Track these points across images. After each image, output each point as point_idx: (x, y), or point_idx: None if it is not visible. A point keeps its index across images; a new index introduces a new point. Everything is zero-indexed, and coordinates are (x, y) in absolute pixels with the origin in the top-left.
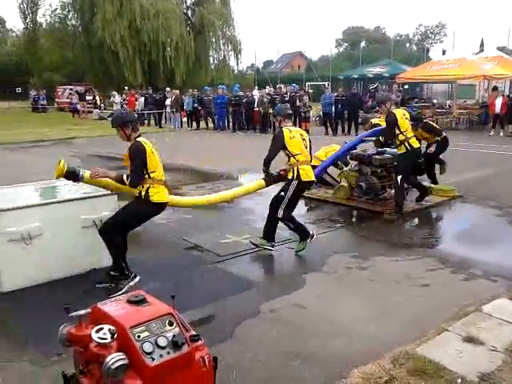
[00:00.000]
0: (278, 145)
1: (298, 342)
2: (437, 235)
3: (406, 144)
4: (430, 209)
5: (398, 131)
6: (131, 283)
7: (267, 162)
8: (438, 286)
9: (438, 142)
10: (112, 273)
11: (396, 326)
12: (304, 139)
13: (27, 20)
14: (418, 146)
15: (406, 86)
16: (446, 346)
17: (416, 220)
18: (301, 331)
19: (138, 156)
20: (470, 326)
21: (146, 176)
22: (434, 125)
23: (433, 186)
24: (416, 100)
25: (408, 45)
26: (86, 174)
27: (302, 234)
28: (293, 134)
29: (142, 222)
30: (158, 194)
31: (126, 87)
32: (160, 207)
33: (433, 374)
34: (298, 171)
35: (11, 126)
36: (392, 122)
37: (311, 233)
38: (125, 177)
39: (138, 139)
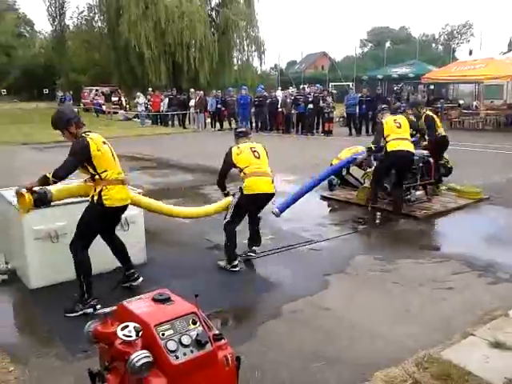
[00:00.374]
0: (227, 163)
1: (320, 344)
2: (462, 238)
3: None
4: (456, 211)
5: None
6: (87, 311)
7: (220, 183)
8: (463, 290)
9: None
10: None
11: (420, 329)
12: (255, 151)
13: (55, 22)
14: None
15: (432, 87)
16: (472, 350)
17: (441, 222)
18: (323, 333)
19: (73, 151)
20: (496, 330)
21: (97, 177)
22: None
23: (458, 187)
24: (442, 101)
25: (434, 45)
26: (54, 191)
27: (228, 254)
28: (240, 149)
29: (98, 230)
30: (112, 199)
31: (150, 88)
32: (115, 211)
33: (457, 379)
34: (244, 184)
35: (38, 125)
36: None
37: (236, 263)
38: (49, 173)
39: (84, 135)
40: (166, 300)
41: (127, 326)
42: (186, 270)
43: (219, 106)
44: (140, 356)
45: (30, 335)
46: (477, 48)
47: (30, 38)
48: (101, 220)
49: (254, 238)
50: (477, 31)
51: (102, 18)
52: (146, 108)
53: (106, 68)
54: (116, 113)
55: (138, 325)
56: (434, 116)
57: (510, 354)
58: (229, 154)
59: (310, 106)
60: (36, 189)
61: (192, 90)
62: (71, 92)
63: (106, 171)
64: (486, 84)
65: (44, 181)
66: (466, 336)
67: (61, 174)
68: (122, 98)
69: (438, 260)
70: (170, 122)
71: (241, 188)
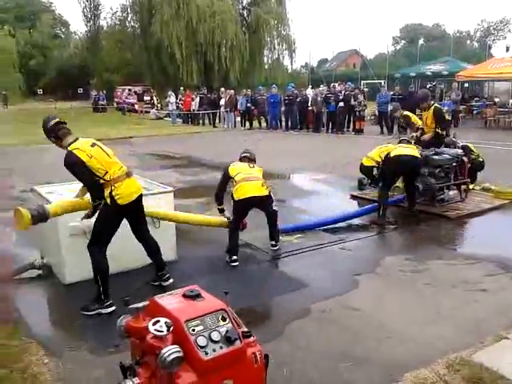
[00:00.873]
0: (224, 175)
1: (349, 344)
2: (496, 239)
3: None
4: (490, 211)
5: None
6: (102, 311)
7: (217, 196)
8: (496, 292)
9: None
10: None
11: (451, 331)
12: (252, 166)
13: (89, 23)
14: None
15: (466, 85)
16: (505, 354)
17: (474, 223)
18: (352, 333)
19: (71, 169)
20: None
21: (102, 181)
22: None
23: (493, 187)
24: (476, 99)
25: (469, 42)
26: (51, 208)
27: (229, 251)
28: (236, 162)
29: (115, 230)
30: (124, 196)
31: (181, 87)
32: (131, 206)
33: (490, 382)
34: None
35: (73, 124)
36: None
37: (234, 257)
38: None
39: (69, 148)
40: (196, 296)
41: (158, 321)
42: (216, 268)
43: (249, 104)
44: (171, 351)
45: (63, 329)
46: None
47: (65, 39)
48: (117, 219)
49: (271, 235)
50: None
51: (134, 18)
52: (178, 107)
53: (139, 68)
54: (148, 112)
55: (168, 320)
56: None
57: None
58: (226, 168)
59: (341, 104)
60: (33, 207)
61: (222, 89)
62: (104, 91)
63: (107, 172)
64: None
65: (94, 209)
66: (498, 339)
67: (93, 194)
68: (154, 98)
69: (470, 261)
70: (200, 121)
71: (232, 195)
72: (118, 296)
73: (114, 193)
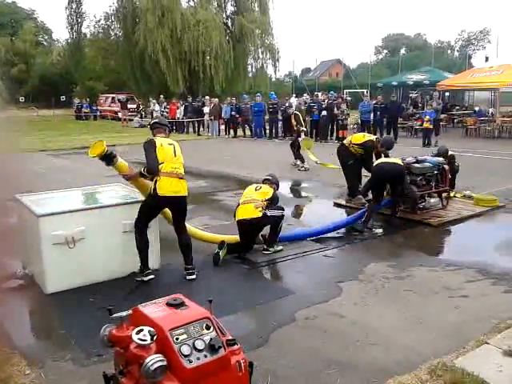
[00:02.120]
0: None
1: (333, 350)
2: (477, 245)
3: None
4: (471, 218)
5: None
6: (144, 279)
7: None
8: (477, 298)
9: None
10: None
11: (433, 336)
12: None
13: (73, 30)
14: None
15: (447, 94)
16: (486, 359)
17: (456, 230)
18: (337, 339)
19: (147, 147)
20: (511, 339)
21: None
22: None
23: (474, 195)
24: (457, 107)
25: (449, 51)
26: (120, 160)
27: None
28: (246, 189)
29: (150, 214)
30: (163, 189)
31: (161, 95)
32: (165, 200)
33: None
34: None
35: (56, 133)
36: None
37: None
38: (142, 170)
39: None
40: (180, 305)
41: (142, 330)
42: (200, 276)
43: (233, 113)
44: (154, 360)
45: (46, 339)
46: (493, 55)
47: (48, 46)
48: (154, 207)
49: (266, 239)
50: (493, 38)
51: (118, 26)
52: (162, 115)
53: (122, 75)
54: (131, 120)
55: (152, 329)
56: None
57: None
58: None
59: (324, 112)
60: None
61: (207, 97)
62: (88, 99)
63: (162, 163)
64: (503, 91)
65: (136, 175)
66: (479, 344)
67: (149, 165)
68: (141, 106)
69: (451, 268)
70: (185, 129)
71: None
72: (100, 305)
73: (157, 183)
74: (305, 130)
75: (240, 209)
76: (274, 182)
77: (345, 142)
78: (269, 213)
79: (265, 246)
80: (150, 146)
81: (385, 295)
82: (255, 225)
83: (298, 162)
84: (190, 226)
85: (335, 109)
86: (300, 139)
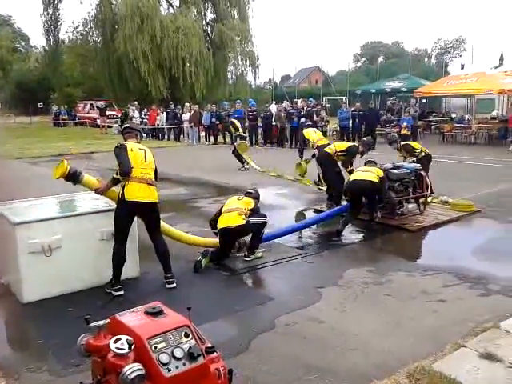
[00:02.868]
0: (219, 210)
1: (313, 356)
2: (454, 250)
3: None
4: (448, 223)
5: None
6: (113, 293)
7: (211, 225)
8: (454, 302)
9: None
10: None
11: (412, 341)
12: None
13: (50, 37)
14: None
15: (424, 101)
16: (463, 362)
17: (433, 235)
18: (316, 345)
19: (118, 151)
20: (487, 342)
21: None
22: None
23: (450, 200)
24: (434, 114)
25: (426, 59)
26: (86, 177)
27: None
28: (228, 200)
29: (123, 223)
30: (131, 194)
31: (135, 102)
32: (134, 205)
33: None
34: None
35: (33, 140)
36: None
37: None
38: (114, 174)
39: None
40: (158, 313)
41: (120, 339)
42: (180, 283)
43: (213, 119)
44: (132, 369)
45: (22, 349)
46: (468, 62)
47: (25, 53)
48: (126, 216)
49: (248, 247)
50: (468, 46)
51: (97, 32)
52: (142, 122)
53: (100, 82)
54: (110, 127)
55: (130, 338)
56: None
57: (500, 366)
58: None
59: (303, 119)
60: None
61: (187, 104)
62: (66, 106)
63: (132, 168)
64: (479, 98)
65: (114, 181)
66: (457, 348)
67: (121, 168)
68: (123, 111)
69: (429, 272)
70: (166, 136)
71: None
72: (77, 314)
73: (125, 188)
74: (243, 135)
75: (223, 217)
76: (255, 197)
77: (328, 150)
78: (251, 220)
79: (246, 253)
80: (120, 150)
81: (364, 300)
82: (238, 232)
83: (246, 165)
84: (173, 229)
85: (315, 116)
86: (236, 144)
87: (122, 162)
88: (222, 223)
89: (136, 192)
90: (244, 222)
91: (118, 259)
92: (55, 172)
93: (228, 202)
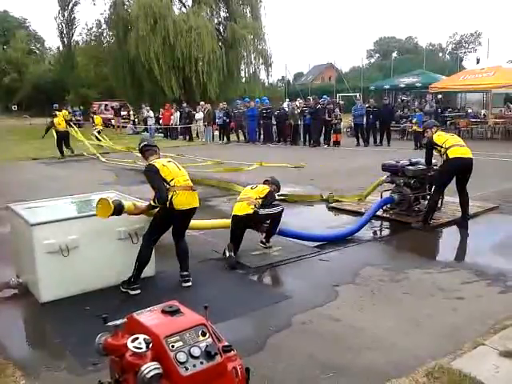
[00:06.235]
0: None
1: (330, 354)
2: (472, 247)
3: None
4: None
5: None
6: (130, 292)
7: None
8: (473, 299)
9: None
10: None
11: (430, 339)
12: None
13: (64, 39)
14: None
15: (440, 96)
16: (483, 360)
17: (451, 231)
18: (333, 343)
19: (149, 175)
20: (507, 340)
21: (168, 186)
22: None
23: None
24: (450, 110)
25: (441, 54)
26: (127, 206)
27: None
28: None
29: (163, 228)
30: (180, 204)
31: (143, 104)
32: (180, 213)
33: None
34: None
35: (47, 141)
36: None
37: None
38: (152, 201)
39: (150, 161)
40: (175, 312)
41: (137, 338)
42: (196, 282)
43: (224, 118)
44: (150, 368)
45: (40, 349)
46: (484, 57)
47: (40, 55)
48: (169, 221)
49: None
50: (484, 40)
51: (110, 33)
52: (157, 122)
53: (115, 83)
54: (125, 127)
55: (147, 337)
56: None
57: None
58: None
59: (308, 117)
60: (115, 200)
61: (202, 102)
62: (81, 107)
63: (173, 179)
64: (495, 93)
65: (150, 206)
66: (476, 346)
67: (159, 195)
68: (131, 113)
69: (447, 270)
70: (180, 136)
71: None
72: (95, 314)
73: (173, 198)
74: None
75: (235, 206)
76: (272, 183)
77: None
78: (261, 211)
79: (263, 240)
80: (152, 173)
81: (381, 298)
82: (245, 221)
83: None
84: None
85: (326, 116)
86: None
87: (159, 189)
88: (234, 211)
89: (184, 200)
90: (251, 212)
91: (145, 259)
92: (101, 212)
93: (242, 192)
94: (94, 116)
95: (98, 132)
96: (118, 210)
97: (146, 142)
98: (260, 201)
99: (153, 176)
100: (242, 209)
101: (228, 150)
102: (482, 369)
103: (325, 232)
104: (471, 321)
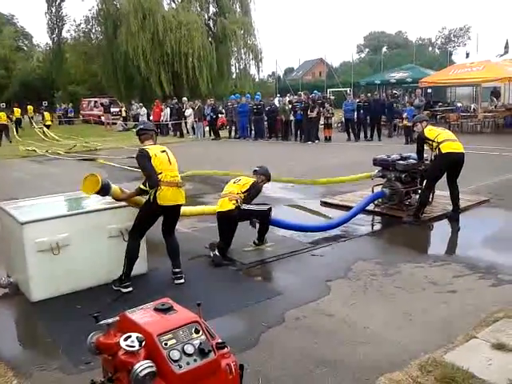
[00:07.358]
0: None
1: (323, 350)
2: (464, 240)
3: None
4: None
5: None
6: (122, 290)
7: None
8: (465, 292)
9: None
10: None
11: (423, 333)
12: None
13: (53, 35)
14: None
15: (430, 90)
16: (475, 353)
17: (441, 225)
18: (327, 338)
19: (141, 160)
20: (499, 332)
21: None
22: None
23: None
24: (440, 104)
25: (430, 49)
26: (114, 189)
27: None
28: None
29: (148, 223)
30: (164, 199)
31: (132, 101)
32: (164, 208)
33: (461, 381)
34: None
35: (38, 138)
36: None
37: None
38: (142, 185)
39: (144, 146)
40: (168, 309)
41: (130, 337)
42: (188, 279)
43: (211, 113)
44: (143, 366)
45: (32, 348)
46: (473, 51)
47: (28, 51)
48: (154, 216)
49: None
50: (473, 34)
51: (99, 29)
52: (148, 119)
53: (104, 79)
54: (114, 123)
55: (140, 335)
56: None
57: None
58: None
59: (299, 113)
60: (104, 179)
61: (184, 98)
62: (70, 104)
63: (161, 173)
64: (485, 87)
65: (137, 193)
66: (468, 339)
67: (149, 181)
68: (123, 109)
69: (439, 263)
70: (171, 132)
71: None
72: (87, 312)
73: (157, 193)
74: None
75: (218, 202)
76: (261, 173)
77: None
78: (244, 206)
79: (255, 241)
80: (144, 158)
81: (373, 292)
82: (228, 217)
83: None
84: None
85: (314, 113)
86: None
87: (150, 175)
88: (217, 208)
89: (168, 196)
90: (233, 207)
91: (133, 254)
92: (86, 187)
93: (226, 187)
94: (44, 113)
95: (47, 127)
96: (106, 189)
97: (141, 126)
98: (243, 195)
99: (144, 162)
100: (223, 205)
101: (216, 147)
102: (474, 361)
103: (316, 222)
104: (463, 314)
